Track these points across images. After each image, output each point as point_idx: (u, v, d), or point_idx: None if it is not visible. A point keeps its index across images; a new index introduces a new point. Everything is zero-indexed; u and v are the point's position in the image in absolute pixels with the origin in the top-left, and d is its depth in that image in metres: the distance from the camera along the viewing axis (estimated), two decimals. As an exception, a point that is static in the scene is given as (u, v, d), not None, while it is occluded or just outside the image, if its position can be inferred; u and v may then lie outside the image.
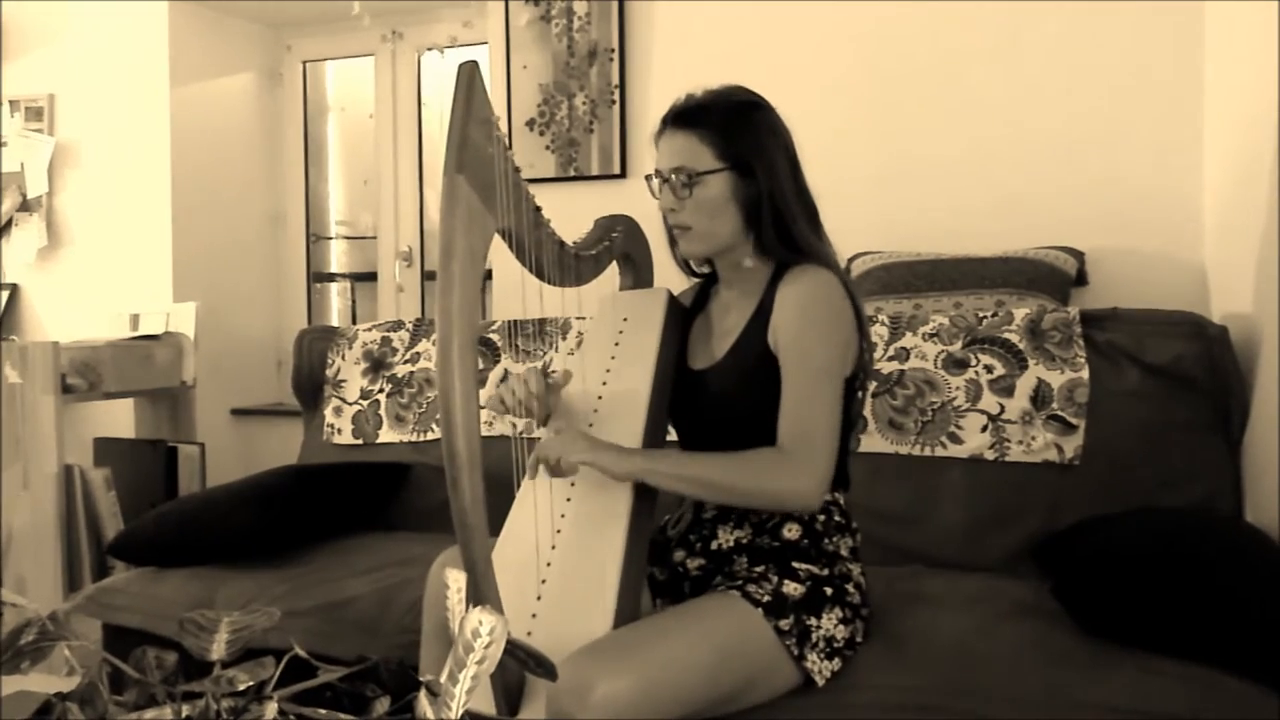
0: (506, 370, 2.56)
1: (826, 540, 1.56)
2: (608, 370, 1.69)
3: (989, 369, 2.08)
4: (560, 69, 3.07)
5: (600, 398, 1.65)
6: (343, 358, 2.75)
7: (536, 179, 2.97)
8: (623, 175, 3.02)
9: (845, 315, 1.54)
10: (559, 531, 1.50)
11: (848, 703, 1.44)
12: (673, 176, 1.57)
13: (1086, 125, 2.55)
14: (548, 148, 3.09)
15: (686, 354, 1.72)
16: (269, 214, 3.80)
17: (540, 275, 1.53)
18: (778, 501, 1.49)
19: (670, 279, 1.82)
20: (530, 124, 3.10)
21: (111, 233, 3.49)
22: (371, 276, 3.78)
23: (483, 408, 2.49)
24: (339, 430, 2.70)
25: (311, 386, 2.80)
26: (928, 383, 2.11)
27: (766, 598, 1.44)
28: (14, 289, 3.62)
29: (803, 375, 1.49)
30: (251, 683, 0.73)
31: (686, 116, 1.58)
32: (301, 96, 3.81)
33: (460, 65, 1.26)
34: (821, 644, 1.45)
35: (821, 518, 1.57)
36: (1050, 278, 2.35)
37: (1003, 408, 2.05)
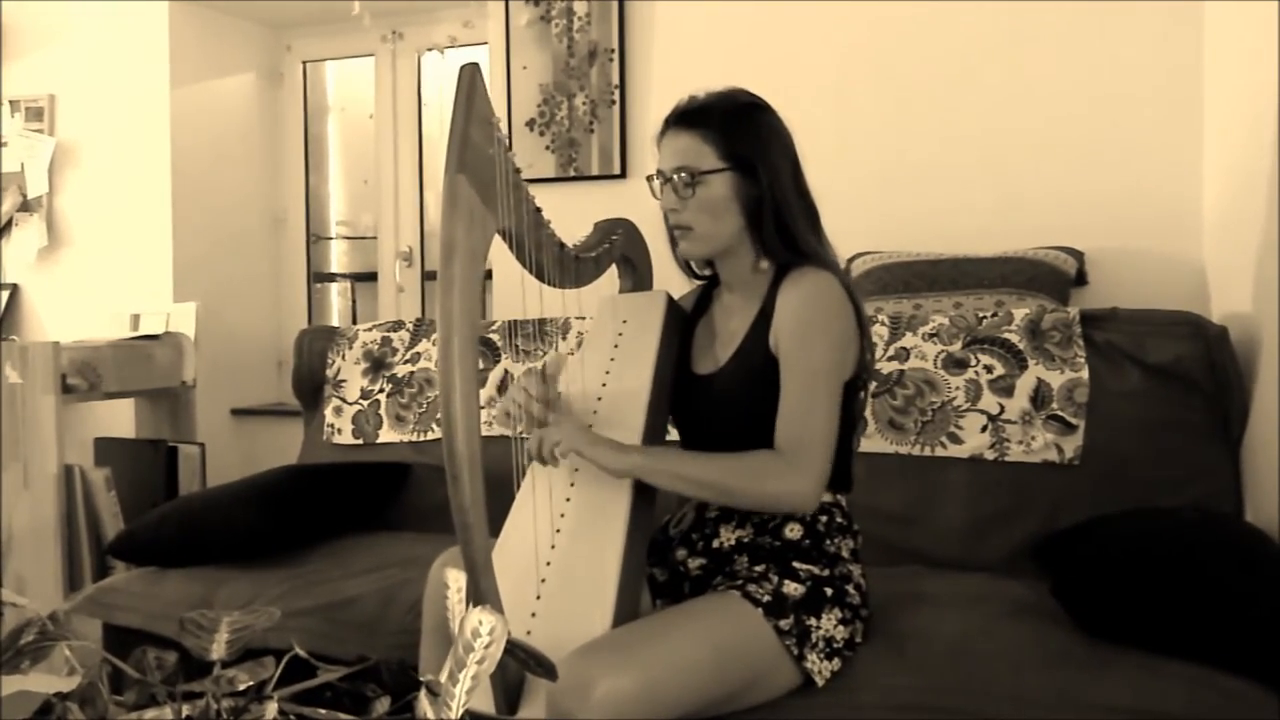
0: (506, 371, 2.56)
1: (828, 541, 1.56)
2: (607, 372, 1.69)
3: (989, 369, 2.08)
4: (560, 69, 3.07)
5: (599, 399, 1.65)
6: (343, 358, 2.75)
7: (536, 179, 2.97)
8: (623, 175, 3.02)
9: (846, 316, 1.54)
10: (559, 531, 1.51)
11: (848, 703, 1.44)
12: (675, 176, 1.57)
13: (1086, 125, 2.55)
14: (548, 148, 3.09)
15: (690, 357, 1.72)
16: (269, 214, 3.80)
17: (540, 276, 1.53)
18: (774, 503, 1.50)
19: (670, 281, 1.82)
20: (530, 124, 3.11)
21: (112, 233, 3.49)
22: (372, 276, 3.78)
23: (483, 407, 2.49)
24: (339, 430, 2.70)
25: (312, 386, 2.80)
26: (928, 383, 2.11)
27: (767, 597, 1.44)
28: (14, 289, 3.62)
29: (801, 377, 1.49)
30: (252, 682, 0.73)
31: (689, 117, 1.58)
32: (302, 97, 3.82)
33: (461, 67, 1.27)
34: (821, 644, 1.45)
35: (823, 518, 1.57)
36: (1050, 278, 2.35)
37: (1002, 408, 2.05)
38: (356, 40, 3.65)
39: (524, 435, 1.58)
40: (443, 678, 0.71)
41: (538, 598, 1.42)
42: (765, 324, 1.57)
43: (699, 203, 1.56)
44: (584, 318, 2.45)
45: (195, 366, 3.26)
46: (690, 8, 2.94)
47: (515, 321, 2.64)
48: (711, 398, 1.63)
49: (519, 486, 1.60)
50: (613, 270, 1.81)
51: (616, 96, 3.02)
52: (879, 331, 2.19)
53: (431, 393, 2.62)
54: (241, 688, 0.73)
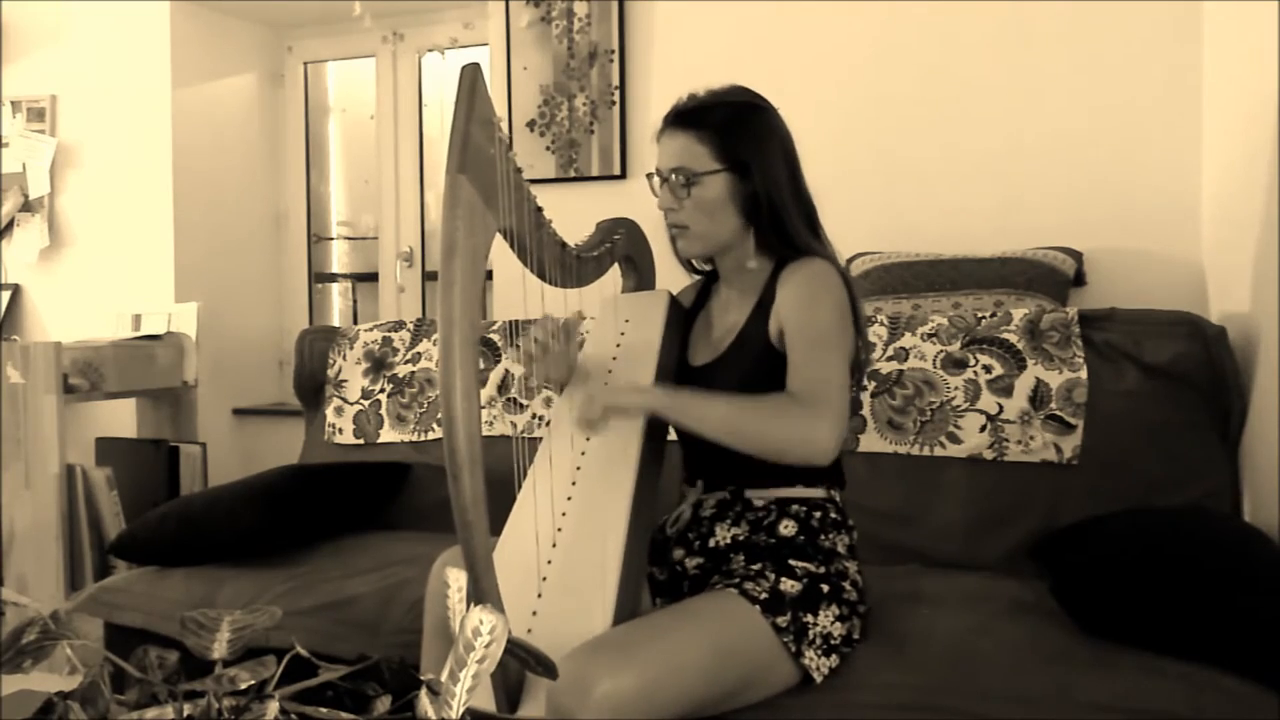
0: (507, 371, 2.56)
1: (823, 537, 1.57)
2: (609, 371, 1.70)
3: (988, 369, 2.09)
4: (560, 70, 3.08)
5: (601, 397, 1.66)
6: (344, 358, 2.75)
7: (537, 180, 2.98)
8: (623, 176, 3.03)
9: (845, 299, 1.56)
10: (560, 530, 1.51)
11: (847, 701, 1.45)
12: (672, 176, 1.58)
13: (1085, 126, 2.56)
14: (548, 148, 3.09)
15: (687, 353, 1.73)
16: (270, 214, 3.80)
17: (542, 276, 1.53)
18: (790, 446, 1.43)
19: (672, 280, 1.83)
20: (531, 125, 3.11)
21: (113, 233, 3.50)
22: (372, 277, 3.79)
23: (483, 407, 2.50)
24: (340, 430, 2.70)
25: (313, 386, 2.81)
26: (927, 383, 2.12)
27: (764, 595, 1.44)
28: (16, 289, 3.63)
29: (810, 337, 1.49)
30: (253, 681, 0.73)
31: (686, 117, 1.59)
32: (303, 97, 3.82)
33: (463, 67, 1.27)
34: (819, 641, 1.45)
35: (818, 514, 1.58)
36: (1049, 278, 2.36)
37: (1001, 407, 2.06)
38: (357, 41, 3.66)
39: (523, 435, 1.59)
40: (443, 677, 0.72)
41: (539, 596, 1.43)
42: (764, 314, 1.58)
43: (695, 203, 1.57)
44: (583, 317, 2.45)
45: (197, 366, 3.27)
46: (690, 8, 2.94)
47: (516, 321, 2.64)
48: (709, 387, 1.63)
49: (520, 486, 1.60)
50: (615, 270, 1.82)
51: (616, 97, 3.02)
52: (878, 332, 2.20)
53: (432, 392, 2.62)
54: (243, 687, 0.73)
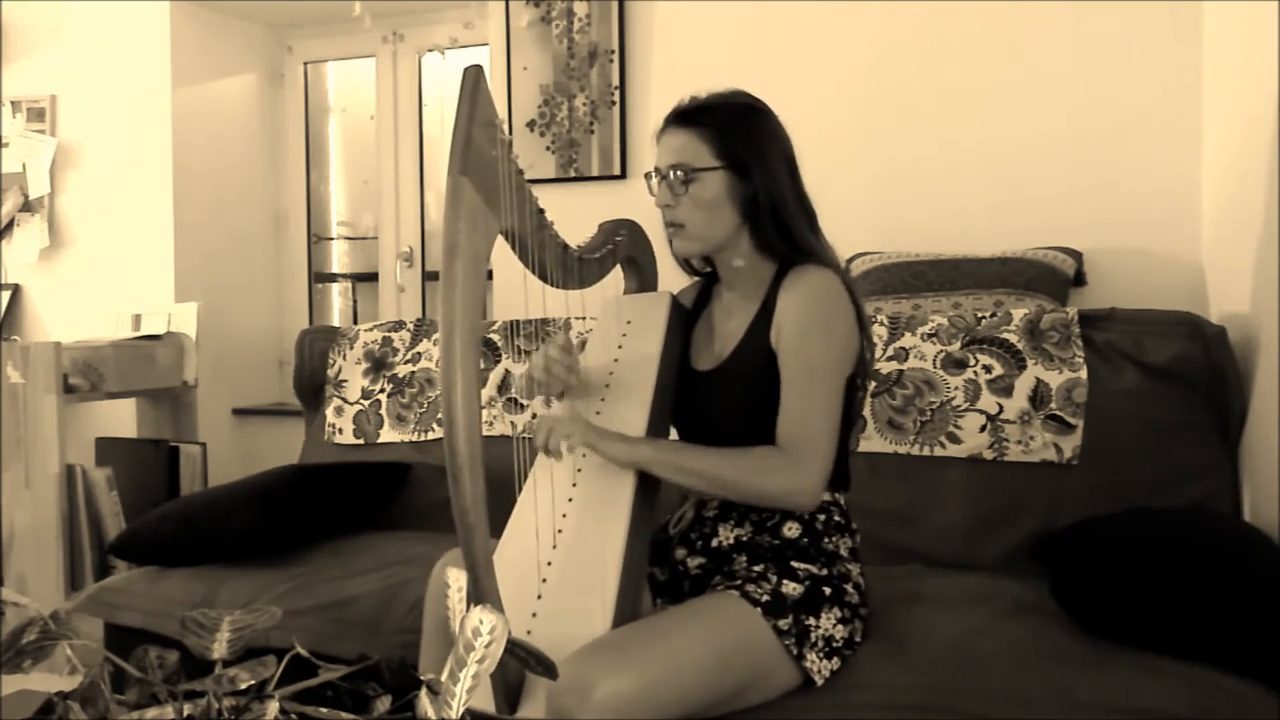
0: (507, 371, 2.56)
1: (826, 539, 1.57)
2: (610, 373, 1.70)
3: (988, 369, 2.09)
4: (561, 70, 3.08)
5: (603, 400, 1.66)
6: (344, 358, 2.76)
7: (537, 180, 2.98)
8: (623, 176, 3.03)
9: (847, 314, 1.56)
10: (560, 531, 1.51)
11: (847, 702, 1.45)
12: (671, 173, 1.58)
13: (1085, 126, 2.56)
14: (548, 149, 3.09)
15: (689, 355, 1.73)
16: (270, 214, 3.80)
17: (543, 277, 1.53)
18: (775, 500, 1.51)
19: (674, 281, 1.83)
20: (531, 125, 3.11)
21: (113, 233, 3.50)
22: (372, 277, 3.79)
23: (484, 407, 2.50)
24: (340, 430, 2.70)
25: (313, 386, 2.81)
26: (927, 383, 2.12)
27: (765, 597, 1.45)
28: (16, 289, 3.63)
29: (803, 376, 1.50)
30: (253, 681, 0.73)
31: (687, 115, 1.60)
32: (303, 97, 3.82)
33: (465, 69, 1.28)
34: (820, 643, 1.45)
35: (821, 517, 1.58)
36: (1049, 278, 2.36)
37: (1001, 408, 2.06)
38: (357, 41, 3.66)
39: (525, 435, 1.59)
40: (443, 677, 0.72)
41: (539, 597, 1.42)
42: (766, 321, 1.58)
43: (692, 200, 1.57)
44: (584, 318, 2.45)
45: (196, 366, 3.27)
46: (690, 8, 2.94)
47: (516, 322, 2.64)
48: (712, 394, 1.64)
49: (520, 487, 1.60)
50: (617, 271, 1.82)
51: (616, 97, 3.02)
52: (879, 331, 2.20)
53: (432, 392, 2.62)
54: (243, 687, 0.73)
